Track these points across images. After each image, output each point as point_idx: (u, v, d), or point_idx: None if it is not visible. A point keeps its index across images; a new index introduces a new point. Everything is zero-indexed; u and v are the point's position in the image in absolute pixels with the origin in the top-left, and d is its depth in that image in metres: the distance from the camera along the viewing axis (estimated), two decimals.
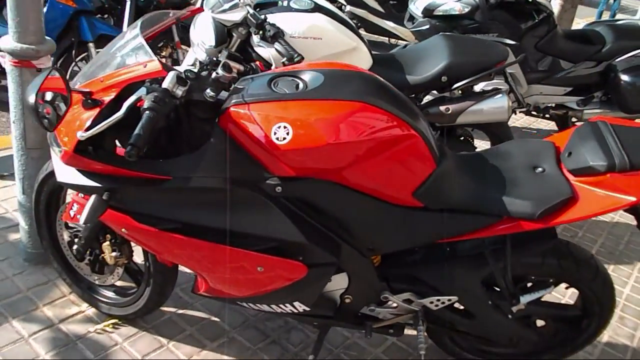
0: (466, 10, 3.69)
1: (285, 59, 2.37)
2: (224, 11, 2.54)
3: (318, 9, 2.67)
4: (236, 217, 1.56)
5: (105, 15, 4.02)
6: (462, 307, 1.84)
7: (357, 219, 1.61)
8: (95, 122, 1.42)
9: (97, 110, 1.44)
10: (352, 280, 1.75)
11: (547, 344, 1.96)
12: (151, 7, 4.05)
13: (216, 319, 2.16)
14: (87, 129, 1.40)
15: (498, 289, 1.79)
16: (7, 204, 2.65)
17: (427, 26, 3.87)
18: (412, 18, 4.09)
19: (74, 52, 3.53)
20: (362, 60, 2.73)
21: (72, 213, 1.84)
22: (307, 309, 1.78)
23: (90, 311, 2.11)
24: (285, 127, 1.43)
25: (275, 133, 1.43)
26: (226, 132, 1.50)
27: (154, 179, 1.48)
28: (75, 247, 1.90)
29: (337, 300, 1.82)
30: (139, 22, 1.60)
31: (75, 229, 1.98)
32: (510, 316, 1.79)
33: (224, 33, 2.60)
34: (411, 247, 1.70)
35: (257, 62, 1.73)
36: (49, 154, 2.01)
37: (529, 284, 1.82)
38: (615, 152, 1.50)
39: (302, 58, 2.36)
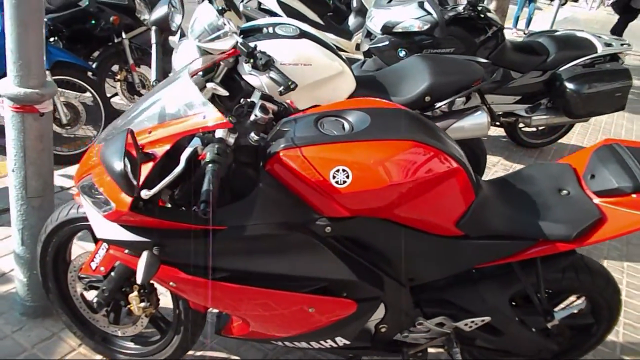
0: (426, 27, 3.82)
1: (282, 87, 2.36)
2: (212, 40, 2.49)
3: (303, 34, 2.68)
4: (287, 261, 1.55)
5: (54, 39, 3.82)
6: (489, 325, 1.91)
7: (402, 252, 1.64)
8: (151, 177, 1.36)
9: (149, 164, 1.38)
10: (388, 309, 1.77)
11: (562, 351, 2.08)
12: (101, 28, 3.90)
13: (236, 357, 2.11)
14: (144, 185, 1.34)
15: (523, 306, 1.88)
16: None
17: (386, 42, 3.97)
18: (369, 34, 4.17)
19: None
20: (348, 83, 2.77)
21: (93, 265, 1.75)
22: (348, 342, 1.79)
23: None
24: (344, 170, 1.44)
25: (334, 177, 1.44)
26: (275, 177, 1.49)
27: (208, 229, 1.44)
28: (95, 299, 1.80)
29: (373, 330, 1.84)
30: (186, 70, 1.55)
31: (90, 281, 1.88)
32: (534, 330, 1.89)
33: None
34: (450, 275, 1.75)
35: (289, 101, 1.71)
36: (49, 203, 1.92)
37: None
38: (638, 174, 1.62)
39: (296, 85, 2.36)
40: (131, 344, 1.99)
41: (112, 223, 1.47)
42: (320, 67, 2.65)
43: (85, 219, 1.76)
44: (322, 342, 1.78)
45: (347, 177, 1.44)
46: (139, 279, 1.40)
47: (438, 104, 2.84)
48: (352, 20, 6.45)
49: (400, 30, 3.91)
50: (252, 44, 2.47)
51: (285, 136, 1.51)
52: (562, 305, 1.94)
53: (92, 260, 1.75)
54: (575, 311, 1.88)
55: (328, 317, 1.65)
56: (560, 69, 4.16)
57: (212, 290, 1.55)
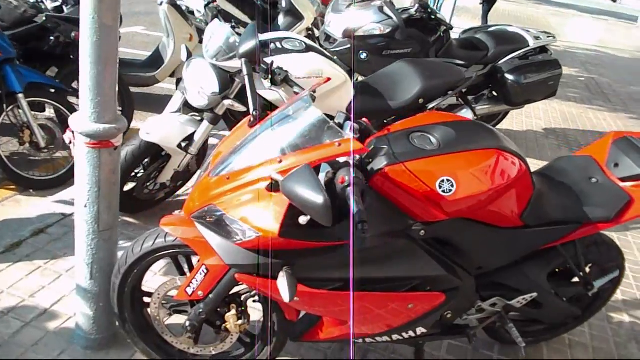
0: (387, 30, 4.07)
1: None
2: (229, 58, 2.57)
3: (309, 48, 2.81)
4: (390, 265, 1.72)
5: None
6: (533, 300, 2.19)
7: (475, 245, 1.86)
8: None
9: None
10: (458, 297, 1.99)
11: (582, 315, 2.42)
12: (59, 44, 3.76)
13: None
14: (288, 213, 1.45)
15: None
16: (18, 290, 2.38)
17: (348, 46, 4.18)
18: (329, 38, 4.36)
19: (4, 104, 3.16)
20: (349, 90, 2.95)
21: (190, 290, 1.81)
22: (425, 331, 2.00)
23: None
24: (449, 180, 1.63)
25: (440, 186, 1.63)
26: (379, 191, 1.65)
27: (333, 245, 1.57)
28: (188, 322, 1.86)
29: (439, 317, 2.06)
30: (307, 96, 1.64)
31: (174, 306, 1.94)
32: (565, 299, 2.20)
33: (227, 79, 2.63)
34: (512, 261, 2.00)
35: (365, 119, 1.85)
36: (116, 235, 1.95)
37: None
38: None
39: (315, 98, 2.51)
40: None
41: (243, 249, 1.56)
42: (331, 79, 2.80)
43: (173, 247, 1.83)
44: (404, 334, 1.97)
45: (452, 186, 1.63)
46: (285, 297, 1.51)
47: (430, 105, 3.10)
48: (281, 21, 6.57)
49: (362, 34, 4.13)
50: (268, 60, 2.57)
51: (385, 154, 1.67)
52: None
53: (188, 286, 1.81)
54: (611, 279, 2.21)
55: (422, 310, 1.84)
56: (500, 62, 4.58)
57: (328, 300, 1.69)
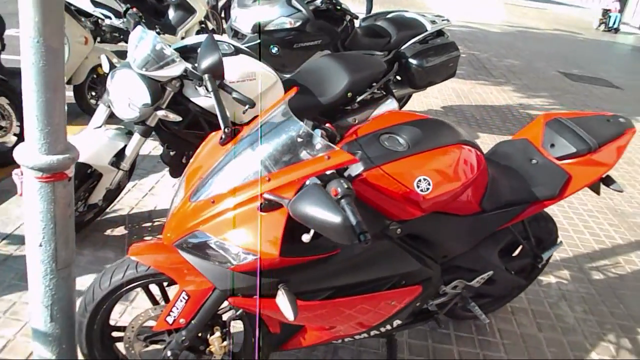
0: (298, 23, 4.07)
1: (247, 106, 2.46)
2: (160, 67, 2.45)
3: (237, 50, 2.75)
4: (374, 267, 1.77)
5: None
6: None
7: (443, 235, 1.96)
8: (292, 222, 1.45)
9: (281, 210, 1.46)
10: (429, 287, 2.09)
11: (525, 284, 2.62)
12: None
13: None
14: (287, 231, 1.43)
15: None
16: None
17: (258, 41, 4.13)
18: (236, 34, 4.27)
19: None
20: (279, 89, 2.93)
21: (170, 320, 1.74)
22: (400, 322, 2.07)
23: None
24: (425, 179, 1.69)
25: (418, 186, 1.68)
26: (358, 196, 1.67)
27: (326, 257, 1.58)
28: (169, 352, 1.79)
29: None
30: (291, 113, 1.60)
31: (150, 337, 1.85)
32: (513, 272, 2.38)
33: (158, 89, 2.52)
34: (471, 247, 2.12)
35: (328, 124, 1.85)
36: (73, 270, 1.82)
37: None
38: (587, 138, 2.16)
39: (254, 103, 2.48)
40: None
41: (237, 273, 1.52)
42: (262, 80, 2.76)
43: (146, 276, 1.75)
44: (382, 328, 2.03)
45: (429, 184, 1.70)
46: (289, 315, 1.49)
47: (358, 98, 3.16)
48: (172, 15, 6.35)
49: (272, 28, 4.09)
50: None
51: (361, 158, 1.69)
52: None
53: (169, 315, 1.73)
54: (555, 251, 2.41)
55: (402, 304, 1.91)
56: (402, 48, 4.75)
57: (320, 309, 1.69)
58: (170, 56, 2.45)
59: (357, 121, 3.22)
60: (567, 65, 9.77)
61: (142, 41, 2.47)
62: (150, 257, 1.71)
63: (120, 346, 1.94)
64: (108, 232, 2.97)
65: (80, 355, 2.07)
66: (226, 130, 1.71)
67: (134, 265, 1.74)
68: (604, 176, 2.22)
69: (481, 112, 6.24)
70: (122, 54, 4.86)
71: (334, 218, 1.25)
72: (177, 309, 1.72)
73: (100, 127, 2.72)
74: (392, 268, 1.81)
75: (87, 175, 2.67)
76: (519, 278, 2.45)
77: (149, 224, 3.11)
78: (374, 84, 3.27)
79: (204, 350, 1.85)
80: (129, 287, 1.76)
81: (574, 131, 2.21)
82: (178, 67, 2.47)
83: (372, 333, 2.04)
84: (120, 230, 3.00)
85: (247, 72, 2.69)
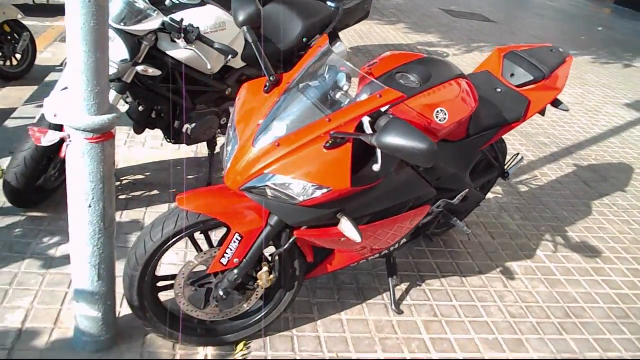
0: None
1: (230, 55, 2.54)
2: (138, 21, 2.43)
3: (204, 1, 2.76)
4: (400, 192, 2.01)
5: None
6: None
7: (441, 161, 2.24)
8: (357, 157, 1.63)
9: (345, 146, 1.63)
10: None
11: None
12: None
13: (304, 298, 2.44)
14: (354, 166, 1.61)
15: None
16: None
17: None
18: None
19: None
20: (241, 38, 2.98)
21: (225, 261, 1.86)
22: (405, 240, 2.36)
23: (210, 351, 2.11)
24: (442, 110, 1.94)
25: (437, 117, 1.92)
26: None
27: (373, 186, 1.78)
28: (221, 292, 1.92)
29: None
30: (340, 57, 1.72)
31: (197, 281, 1.97)
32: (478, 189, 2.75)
33: (135, 44, 2.50)
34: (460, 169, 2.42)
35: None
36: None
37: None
38: (541, 66, 2.52)
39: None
40: (236, 322, 2.13)
41: (304, 207, 1.68)
42: (231, 29, 2.80)
43: (197, 224, 1.85)
44: (391, 248, 2.30)
45: (445, 114, 1.94)
46: (357, 238, 1.70)
47: (312, 43, 3.28)
48: None
49: None
50: (177, 18, 2.50)
51: None
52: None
53: (223, 257, 1.85)
54: (518, 166, 2.79)
55: (415, 223, 2.18)
56: None
57: (365, 232, 1.91)
58: (147, 9, 2.43)
59: None
60: (445, 2, 10.38)
61: None
62: (200, 205, 1.81)
63: (161, 296, 2.02)
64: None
65: (122, 310, 2.14)
66: (272, 78, 1.81)
67: (184, 215, 1.83)
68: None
69: (385, 50, 6.57)
70: (23, 8, 4.50)
71: (423, 144, 1.44)
72: (231, 250, 1.85)
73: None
74: (412, 192, 2.06)
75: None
76: (481, 193, 2.83)
77: (117, 183, 3.08)
78: (326, 29, 3.40)
79: (251, 286, 2.00)
80: (178, 237, 1.84)
81: (529, 61, 2.55)
82: (156, 20, 2.45)
83: (383, 253, 2.30)
84: None
85: (218, 23, 2.72)
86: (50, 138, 1.70)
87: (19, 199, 2.59)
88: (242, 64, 3.05)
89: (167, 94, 2.75)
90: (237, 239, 1.84)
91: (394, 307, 2.47)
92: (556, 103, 2.64)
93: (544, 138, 4.74)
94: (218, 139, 3.26)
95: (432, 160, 1.48)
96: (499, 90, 2.53)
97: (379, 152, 1.63)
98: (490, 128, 2.39)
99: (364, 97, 1.77)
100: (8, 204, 2.68)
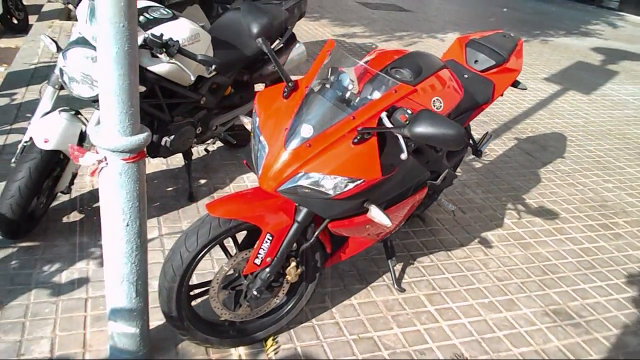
0: None
1: (214, 65, 2.62)
2: None
3: (174, 14, 2.81)
4: (408, 178, 2.18)
5: None
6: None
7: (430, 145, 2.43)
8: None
9: (372, 140, 1.77)
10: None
11: None
12: None
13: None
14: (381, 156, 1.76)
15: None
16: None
17: None
18: None
19: None
20: (211, 48, 3.04)
21: (258, 261, 1.96)
22: (404, 221, 2.54)
23: (242, 351, 2.20)
24: (438, 99, 2.13)
25: (434, 105, 2.11)
26: None
27: (392, 174, 1.94)
28: (255, 292, 2.02)
29: None
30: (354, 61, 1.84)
31: (229, 284, 2.06)
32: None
33: None
34: None
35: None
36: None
37: None
38: (499, 51, 2.78)
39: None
40: (266, 318, 2.23)
41: (337, 200, 1.81)
42: (204, 40, 2.86)
43: (229, 229, 1.94)
44: (393, 231, 2.47)
45: (441, 103, 2.13)
46: (387, 222, 1.85)
47: (273, 46, 3.40)
48: None
49: None
50: (156, 33, 2.55)
51: None
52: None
53: (256, 257, 1.95)
54: (488, 144, 3.03)
55: (415, 205, 2.37)
56: None
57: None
58: None
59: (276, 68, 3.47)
60: None
61: (95, 14, 2.41)
62: (231, 210, 1.89)
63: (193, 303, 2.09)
64: (65, 219, 2.88)
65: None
66: (290, 84, 1.92)
67: (217, 222, 1.90)
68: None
69: (317, 47, 6.75)
70: None
71: (453, 130, 1.61)
72: (264, 249, 1.95)
73: (50, 111, 2.59)
74: (416, 177, 2.24)
75: (56, 163, 2.56)
76: (454, 172, 3.06)
77: (97, 204, 3.06)
78: (285, 32, 3.51)
79: (278, 282, 2.11)
80: (214, 243, 1.92)
81: (489, 47, 2.80)
82: (139, 37, 2.48)
83: (386, 237, 2.47)
84: (75, 215, 2.92)
85: (192, 35, 2.77)
86: (87, 160, 1.72)
87: (15, 230, 2.53)
88: (213, 73, 3.11)
89: (149, 109, 2.77)
90: (268, 238, 1.94)
91: (396, 286, 2.65)
92: (515, 83, 2.91)
93: (482, 117, 5.09)
94: (192, 149, 3.30)
95: (462, 144, 1.65)
96: (466, 76, 2.76)
97: (402, 142, 1.79)
98: (465, 111, 2.62)
99: (372, 92, 1.93)
100: None
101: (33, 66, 4.89)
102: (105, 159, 1.70)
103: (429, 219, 3.30)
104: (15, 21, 6.32)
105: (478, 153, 2.98)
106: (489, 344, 2.39)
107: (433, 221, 3.30)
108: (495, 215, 3.46)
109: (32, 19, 6.50)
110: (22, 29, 6.30)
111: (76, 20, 2.63)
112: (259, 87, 3.71)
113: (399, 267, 2.83)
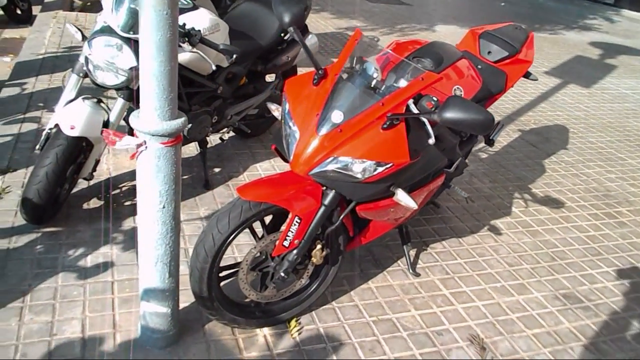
0: None
1: (234, 55, 2.68)
2: None
3: (194, 4, 2.86)
4: (429, 164, 2.25)
5: None
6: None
7: (448, 133, 2.50)
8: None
9: (400, 125, 1.84)
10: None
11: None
12: None
13: None
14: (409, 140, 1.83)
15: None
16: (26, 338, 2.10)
17: None
18: None
19: None
20: (227, 36, 3.10)
21: (286, 243, 2.03)
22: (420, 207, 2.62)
23: (267, 331, 2.27)
24: (458, 87, 2.20)
25: (455, 93, 2.18)
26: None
27: (416, 161, 2.01)
28: (282, 274, 2.08)
29: None
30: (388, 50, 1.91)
31: (257, 265, 2.12)
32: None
33: None
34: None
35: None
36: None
37: None
38: (512, 43, 2.85)
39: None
40: (290, 300, 2.30)
41: (366, 184, 1.88)
42: (223, 30, 2.92)
43: (259, 212, 2.00)
44: (414, 214, 2.55)
45: (461, 91, 2.21)
46: (413, 204, 1.93)
47: (287, 38, 3.45)
48: None
49: None
50: (179, 23, 2.59)
51: None
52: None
53: (285, 239, 2.02)
54: (500, 133, 3.11)
55: (435, 190, 2.44)
56: None
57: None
58: None
59: (289, 58, 3.53)
60: None
61: (120, 3, 2.47)
62: (261, 194, 1.95)
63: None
64: (85, 206, 2.93)
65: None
66: (320, 72, 1.98)
67: (248, 205, 1.97)
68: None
69: (326, 41, 6.80)
70: None
71: (483, 115, 1.69)
72: (292, 232, 2.01)
73: (74, 99, 2.64)
74: (436, 163, 2.31)
75: (80, 150, 2.61)
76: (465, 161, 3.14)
77: (117, 191, 3.11)
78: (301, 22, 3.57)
79: (303, 264, 2.18)
80: (244, 225, 1.98)
81: (502, 39, 2.88)
82: None
83: (402, 223, 2.55)
84: (95, 202, 2.97)
85: (213, 25, 2.82)
86: (125, 143, 1.77)
87: (40, 215, 2.58)
88: (231, 62, 3.16)
89: None
90: (296, 221, 2.00)
91: (411, 270, 2.73)
92: (526, 74, 2.99)
93: None
94: (207, 137, 3.36)
95: (491, 128, 1.72)
96: (479, 67, 2.83)
97: (429, 127, 1.86)
98: (480, 100, 2.69)
99: (397, 80, 2.00)
100: (18, 223, 2.67)
101: (41, 56, 4.90)
102: (145, 143, 1.76)
103: (443, 209, 3.37)
104: (19, 12, 6.33)
105: (490, 142, 3.06)
106: (503, 325, 2.48)
107: (443, 209, 3.37)
108: (503, 203, 3.54)
109: (35, 9, 6.51)
110: (26, 19, 6.32)
111: (79, 11, 2.68)
112: (270, 77, 3.77)
113: (412, 252, 2.91)
